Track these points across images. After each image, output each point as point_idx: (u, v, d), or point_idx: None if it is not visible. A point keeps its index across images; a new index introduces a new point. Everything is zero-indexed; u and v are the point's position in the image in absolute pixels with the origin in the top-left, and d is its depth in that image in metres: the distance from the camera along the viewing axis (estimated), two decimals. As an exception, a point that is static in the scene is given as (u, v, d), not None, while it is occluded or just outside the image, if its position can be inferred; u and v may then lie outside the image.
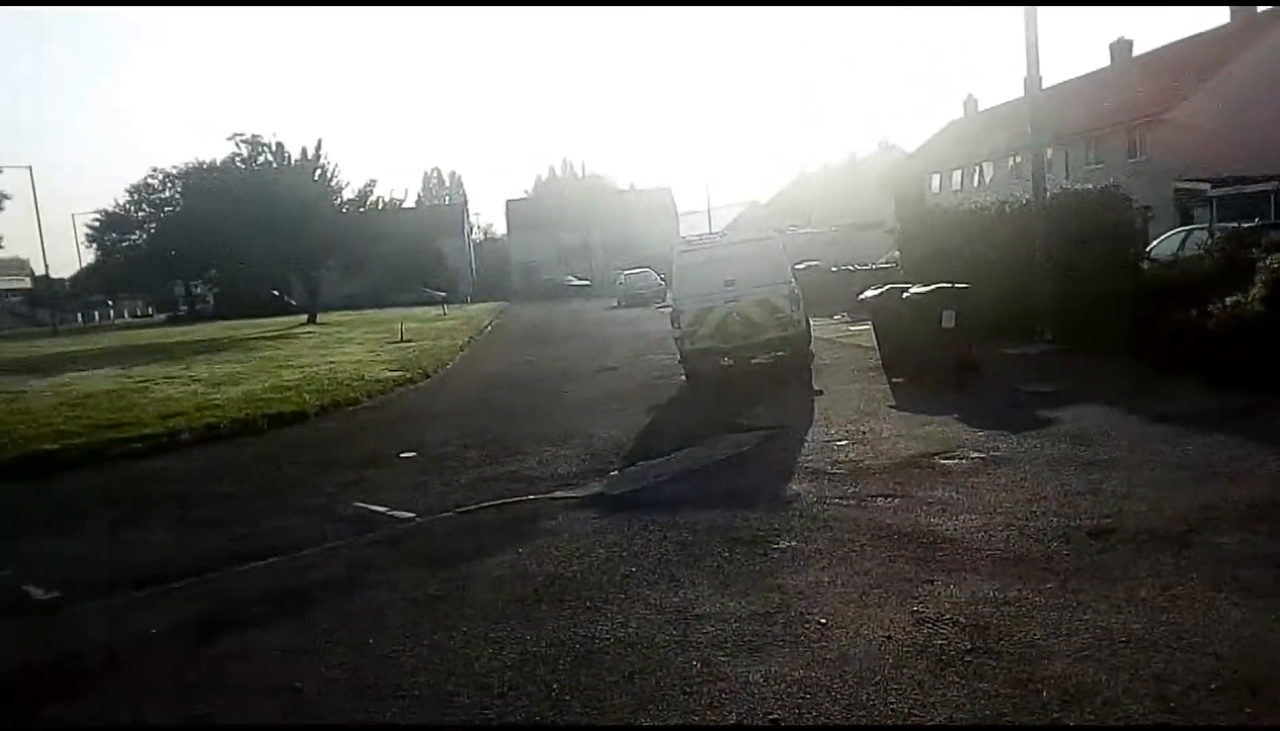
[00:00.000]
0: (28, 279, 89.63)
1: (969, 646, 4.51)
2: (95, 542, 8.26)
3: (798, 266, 20.02)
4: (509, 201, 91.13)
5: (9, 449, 11.95)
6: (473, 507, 8.22)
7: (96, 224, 73.95)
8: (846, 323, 21.29)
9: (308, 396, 15.40)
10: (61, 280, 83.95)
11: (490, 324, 37.42)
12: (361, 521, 8.14)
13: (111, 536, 8.41)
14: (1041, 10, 15.61)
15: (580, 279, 69.78)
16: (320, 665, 5.08)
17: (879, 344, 14.52)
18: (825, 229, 44.54)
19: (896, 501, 7.17)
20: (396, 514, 8.24)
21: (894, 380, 13.08)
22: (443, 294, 62.84)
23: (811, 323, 15.89)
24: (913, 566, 5.69)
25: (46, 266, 66.76)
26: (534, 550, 6.78)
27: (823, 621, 4.97)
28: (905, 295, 13.56)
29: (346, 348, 26.00)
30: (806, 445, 9.58)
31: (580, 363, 19.73)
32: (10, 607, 6.66)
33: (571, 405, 13.91)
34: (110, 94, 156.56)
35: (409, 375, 18.47)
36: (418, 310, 48.57)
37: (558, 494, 8.46)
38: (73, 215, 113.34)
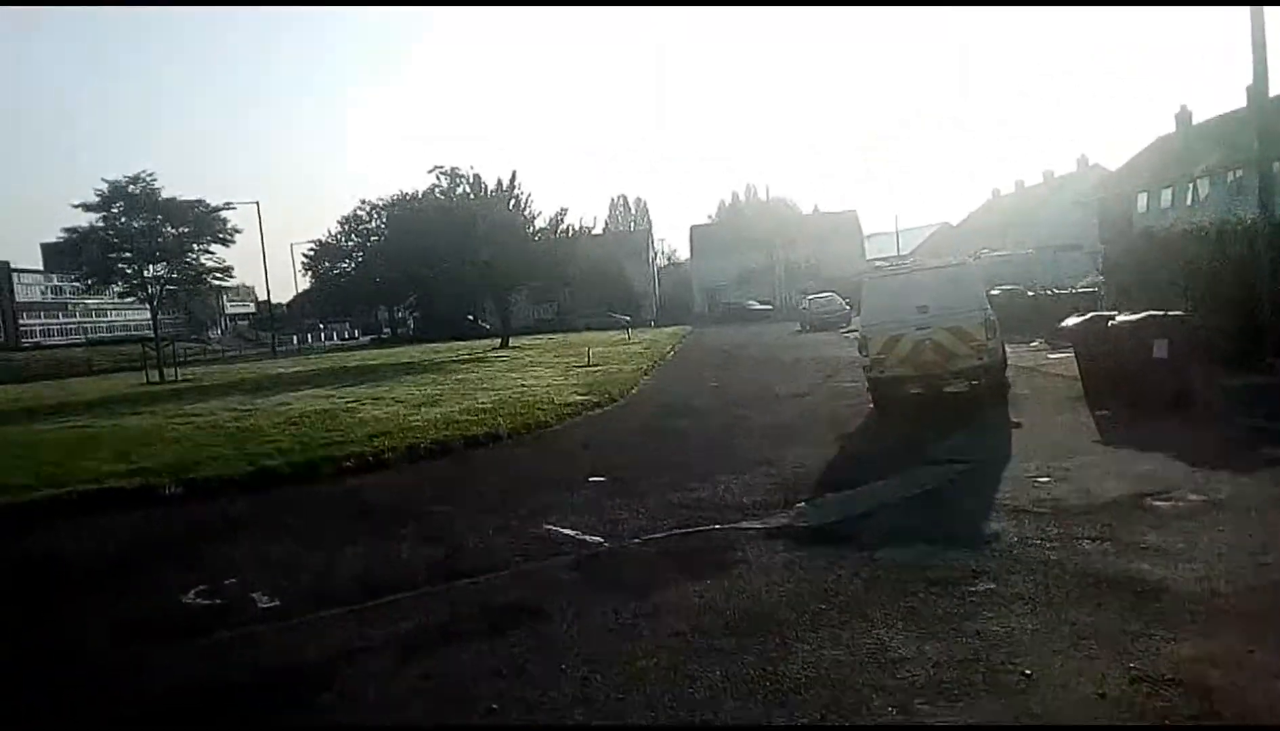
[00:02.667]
0: (252, 304, 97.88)
1: (1194, 710, 4.18)
2: (311, 555, 8.82)
3: (992, 291, 19.32)
4: (692, 227, 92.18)
5: (239, 463, 12.99)
6: (660, 534, 8.30)
7: (311, 253, 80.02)
8: (1045, 350, 20.29)
9: (501, 419, 16.00)
10: (280, 305, 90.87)
11: (674, 348, 37.79)
12: (553, 544, 8.36)
13: (326, 549, 8.96)
14: (1269, 9, 14.47)
15: (763, 303, 69.61)
16: (516, 688, 5.22)
17: (1082, 374, 13.77)
18: (1021, 251, 42.75)
19: (1105, 544, 6.75)
20: (586, 538, 8.41)
21: (1099, 413, 12.36)
22: (627, 318, 64.16)
23: (1007, 349, 15.29)
24: (1126, 617, 5.33)
25: (269, 292, 72.39)
26: (722, 581, 6.77)
27: (1027, 672, 4.72)
28: (1111, 323, 12.82)
29: (536, 371, 26.86)
30: (1004, 480, 9.17)
31: (764, 388, 19.63)
32: (239, 614, 7.21)
33: (756, 431, 13.85)
34: (327, 129, 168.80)
35: (596, 399, 18.88)
36: (604, 334, 49.71)
37: (744, 524, 8.41)
38: (291, 245, 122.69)
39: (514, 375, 25.66)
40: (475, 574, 7.57)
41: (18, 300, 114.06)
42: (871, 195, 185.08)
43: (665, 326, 61.08)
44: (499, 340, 45.73)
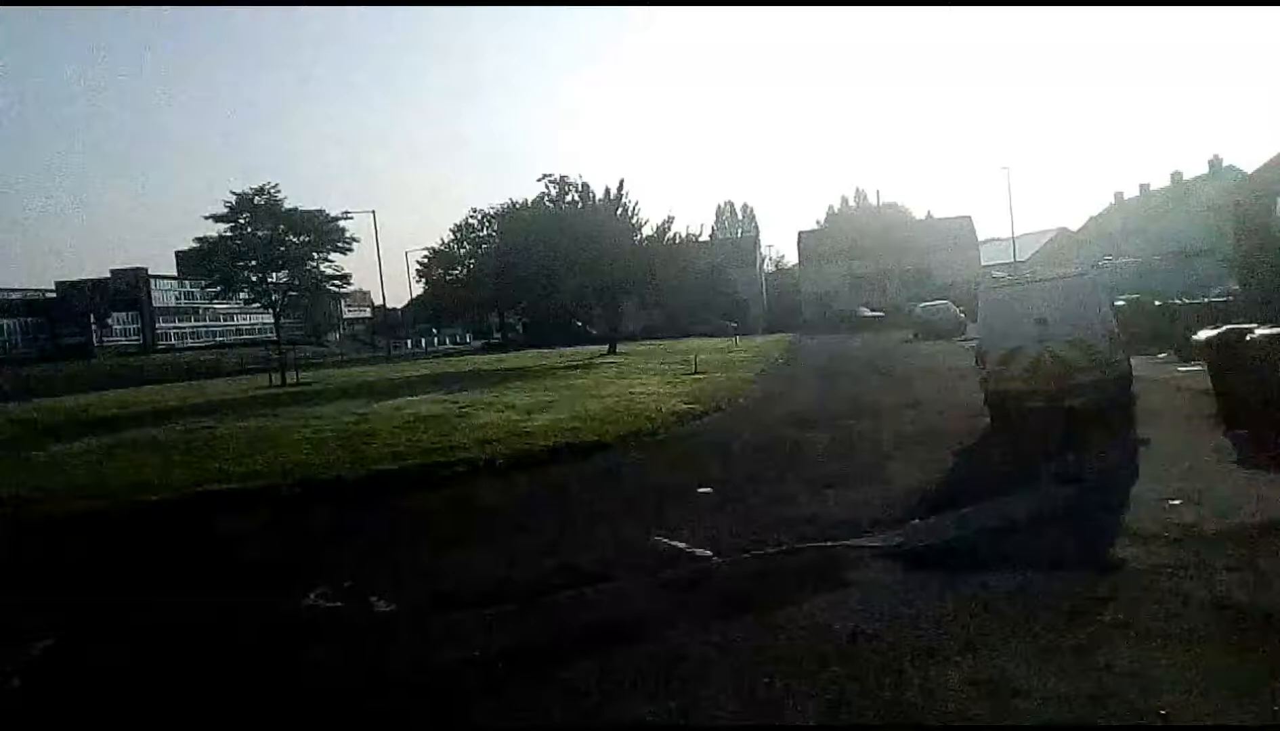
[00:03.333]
0: (368, 309, 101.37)
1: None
2: (425, 560, 9.01)
3: (1116, 301, 18.56)
4: (800, 232, 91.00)
5: (356, 467, 13.38)
6: (770, 550, 8.18)
7: (425, 260, 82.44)
8: (1174, 363, 19.34)
9: (609, 427, 16.08)
10: (395, 310, 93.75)
11: (782, 355, 37.45)
12: (662, 556, 8.32)
13: (438, 555, 9.15)
14: None
15: (873, 310, 68.29)
16: (625, 711, 5.19)
17: (1216, 390, 13.05)
18: (1146, 258, 41.01)
19: (1244, 575, 6.36)
20: (695, 551, 8.35)
21: (1235, 432, 11.67)
22: (735, 325, 63.90)
23: (1132, 363, 14.66)
24: (1272, 657, 5.01)
25: (384, 298, 74.91)
26: (832, 602, 6.63)
27: (1163, 712, 4.47)
28: (1250, 336, 12.13)
29: (644, 378, 26.93)
30: (1131, 502, 8.75)
31: (875, 399, 19.24)
32: (356, 617, 7.41)
33: (867, 444, 13.57)
34: (442, 139, 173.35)
35: (703, 408, 18.83)
36: (711, 341, 49.55)
37: (855, 542, 8.23)
38: (405, 253, 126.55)
39: (622, 382, 25.78)
40: (584, 586, 7.58)
41: (155, 305, 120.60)
42: (987, 199, 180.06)
43: (773, 333, 60.62)
44: (607, 346, 46.11)
